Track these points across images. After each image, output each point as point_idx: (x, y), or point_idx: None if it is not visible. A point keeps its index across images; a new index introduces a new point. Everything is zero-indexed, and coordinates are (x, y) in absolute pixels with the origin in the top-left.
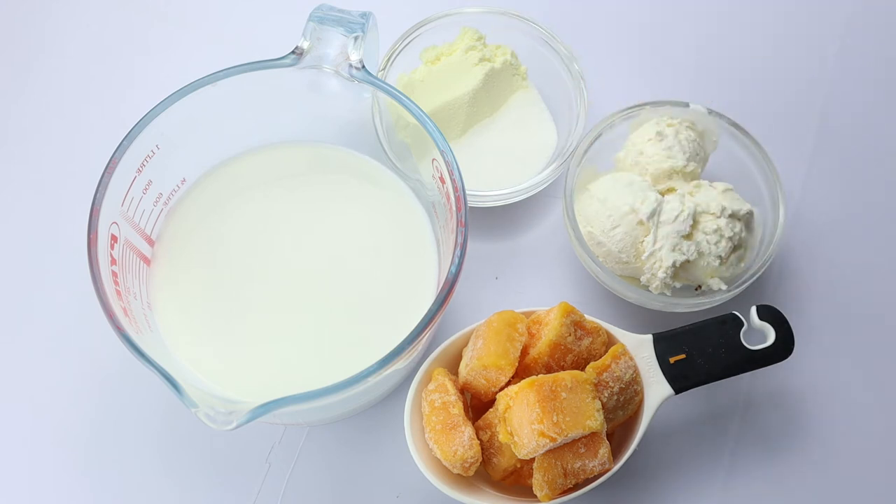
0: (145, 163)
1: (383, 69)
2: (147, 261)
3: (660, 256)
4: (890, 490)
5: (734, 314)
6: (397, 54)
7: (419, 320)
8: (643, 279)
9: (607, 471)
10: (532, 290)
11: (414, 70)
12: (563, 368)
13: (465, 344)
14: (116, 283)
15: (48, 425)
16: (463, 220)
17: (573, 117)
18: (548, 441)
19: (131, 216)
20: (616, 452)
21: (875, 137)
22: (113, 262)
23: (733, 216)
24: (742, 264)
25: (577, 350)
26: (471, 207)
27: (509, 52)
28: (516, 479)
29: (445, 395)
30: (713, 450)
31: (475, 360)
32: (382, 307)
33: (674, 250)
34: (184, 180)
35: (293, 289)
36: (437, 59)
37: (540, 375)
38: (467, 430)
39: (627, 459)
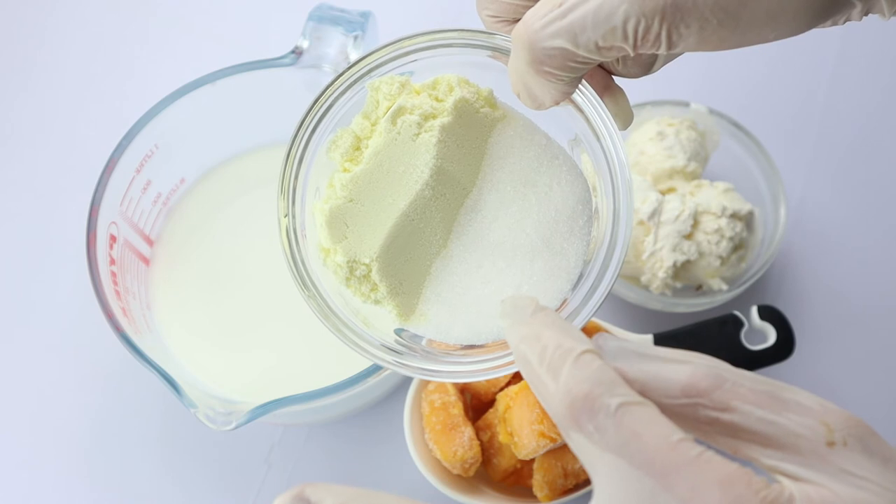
0: (144, 162)
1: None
2: (146, 261)
3: (660, 256)
4: None
5: (735, 314)
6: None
7: None
8: (644, 279)
9: None
10: None
11: (329, 185)
12: None
13: None
14: (115, 283)
15: (48, 425)
16: None
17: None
18: (548, 441)
19: (130, 216)
20: None
21: (875, 137)
22: (112, 262)
23: (734, 216)
24: (743, 264)
25: None
26: None
27: (455, 80)
28: (516, 479)
29: (445, 396)
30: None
31: None
32: None
33: (674, 250)
34: (183, 180)
35: (293, 288)
36: (356, 148)
37: None
38: (467, 431)
39: None
